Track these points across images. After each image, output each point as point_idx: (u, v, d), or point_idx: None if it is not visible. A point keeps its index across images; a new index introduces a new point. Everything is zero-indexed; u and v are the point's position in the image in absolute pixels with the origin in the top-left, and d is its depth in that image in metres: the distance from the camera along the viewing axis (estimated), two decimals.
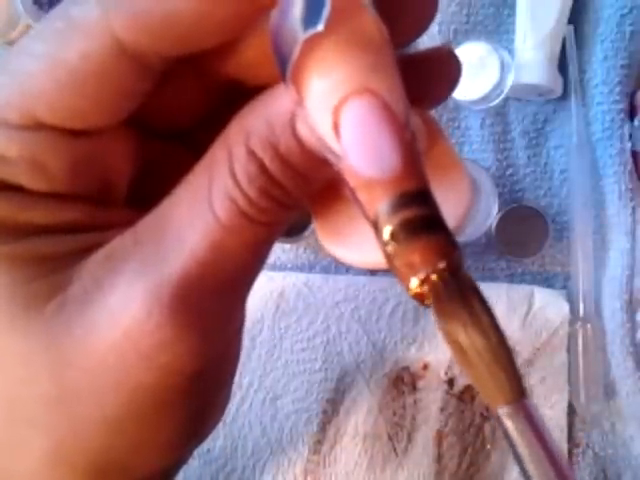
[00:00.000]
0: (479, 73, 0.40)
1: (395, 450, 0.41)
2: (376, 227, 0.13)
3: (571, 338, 0.41)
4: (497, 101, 0.41)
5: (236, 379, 0.43)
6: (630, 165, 0.42)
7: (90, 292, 0.14)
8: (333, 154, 0.13)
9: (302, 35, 0.12)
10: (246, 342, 0.42)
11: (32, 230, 0.15)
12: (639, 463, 0.41)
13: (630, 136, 0.42)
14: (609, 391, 0.41)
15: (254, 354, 0.42)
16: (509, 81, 0.40)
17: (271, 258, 0.45)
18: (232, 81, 0.16)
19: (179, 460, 0.17)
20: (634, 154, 0.42)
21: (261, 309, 0.43)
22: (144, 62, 0.14)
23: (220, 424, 0.42)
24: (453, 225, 0.15)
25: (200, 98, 0.17)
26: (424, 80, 0.16)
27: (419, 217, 0.12)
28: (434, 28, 0.44)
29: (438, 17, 0.44)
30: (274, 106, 0.14)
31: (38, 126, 0.14)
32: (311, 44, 0.12)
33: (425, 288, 0.12)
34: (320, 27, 0.12)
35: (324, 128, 0.13)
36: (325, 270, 0.44)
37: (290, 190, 0.14)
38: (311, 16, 0.12)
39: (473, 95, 0.40)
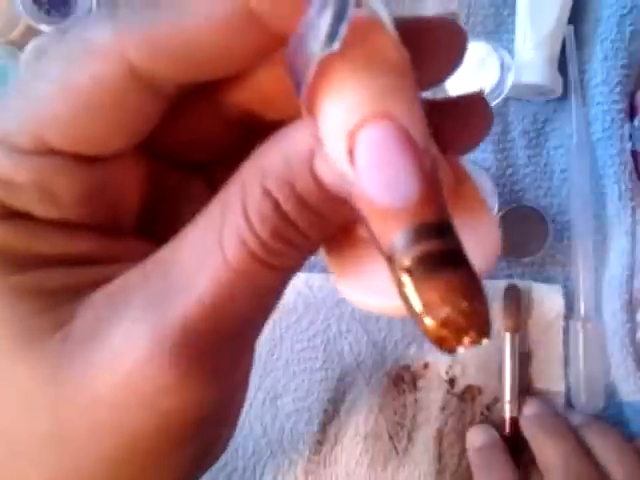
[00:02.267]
0: (479, 73, 0.40)
1: (396, 449, 0.41)
2: (391, 261, 0.12)
3: (571, 338, 0.42)
4: (497, 101, 0.41)
5: None
6: (630, 165, 0.42)
7: (93, 330, 0.14)
8: (348, 183, 0.12)
9: (317, 55, 0.11)
10: None
11: (40, 261, 0.14)
12: None
13: (630, 136, 0.42)
14: (609, 391, 0.41)
15: (254, 354, 0.42)
16: (509, 81, 0.40)
17: None
18: (249, 114, 0.16)
19: None
20: (634, 154, 0.42)
21: None
22: (158, 88, 0.14)
23: None
24: (482, 268, 0.14)
25: (218, 130, 0.16)
26: (454, 126, 0.15)
27: (439, 251, 0.11)
28: None
29: None
30: (292, 143, 0.13)
31: (48, 151, 0.14)
32: (327, 65, 0.12)
33: (445, 332, 0.11)
34: (336, 46, 0.11)
35: (339, 154, 0.12)
36: (325, 270, 0.44)
37: (305, 231, 0.13)
38: (329, 37, 0.11)
39: None
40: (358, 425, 0.41)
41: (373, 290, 0.14)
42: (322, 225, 0.14)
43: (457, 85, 0.40)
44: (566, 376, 0.42)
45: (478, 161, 0.44)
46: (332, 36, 0.11)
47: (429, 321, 0.11)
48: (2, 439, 0.14)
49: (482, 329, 0.12)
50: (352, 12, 0.11)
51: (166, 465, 0.15)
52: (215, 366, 0.14)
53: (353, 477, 0.41)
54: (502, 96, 0.40)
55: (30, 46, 0.44)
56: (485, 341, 0.12)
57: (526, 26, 0.42)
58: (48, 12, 0.45)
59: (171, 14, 0.13)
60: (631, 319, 0.41)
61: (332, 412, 0.42)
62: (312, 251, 0.14)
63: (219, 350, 0.14)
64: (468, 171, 0.15)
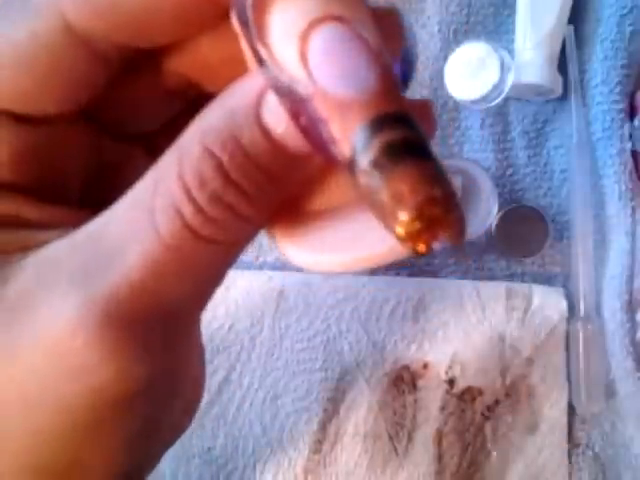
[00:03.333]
0: (479, 73, 0.40)
1: (395, 449, 0.41)
2: (353, 166, 0.11)
3: (571, 338, 0.41)
4: (497, 101, 0.41)
5: (236, 378, 0.43)
6: (630, 165, 0.42)
7: (22, 297, 0.13)
8: (302, 87, 0.12)
9: None
10: (246, 342, 0.43)
11: None
12: (639, 463, 0.41)
13: (630, 136, 0.42)
14: (609, 391, 0.41)
15: (254, 354, 0.42)
16: (509, 81, 0.40)
17: (271, 257, 0.45)
18: (190, 83, 0.15)
19: (138, 468, 0.16)
20: (634, 154, 0.42)
21: (261, 308, 0.43)
22: (98, 49, 0.14)
23: (221, 423, 0.42)
24: None
25: (162, 99, 0.16)
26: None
27: (403, 139, 0.11)
28: (434, 28, 0.44)
29: (438, 17, 0.44)
30: (235, 97, 0.12)
31: None
32: None
33: (418, 224, 0.11)
34: None
35: (290, 59, 0.12)
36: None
37: (249, 194, 0.12)
38: None
39: (473, 95, 0.40)
40: (358, 425, 0.41)
41: (321, 249, 0.13)
42: (269, 187, 0.13)
43: (457, 85, 0.40)
44: (567, 377, 0.42)
45: (478, 161, 0.44)
46: None
47: (400, 218, 0.11)
48: None
49: (457, 221, 0.11)
50: None
51: (103, 443, 0.14)
52: (147, 341, 0.13)
53: (353, 477, 0.41)
54: (502, 96, 0.40)
55: None
56: (461, 240, 0.11)
57: (526, 26, 0.42)
58: None
59: None
60: (631, 319, 0.41)
61: (332, 411, 0.42)
62: (258, 223, 0.13)
63: (151, 327, 0.13)
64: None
